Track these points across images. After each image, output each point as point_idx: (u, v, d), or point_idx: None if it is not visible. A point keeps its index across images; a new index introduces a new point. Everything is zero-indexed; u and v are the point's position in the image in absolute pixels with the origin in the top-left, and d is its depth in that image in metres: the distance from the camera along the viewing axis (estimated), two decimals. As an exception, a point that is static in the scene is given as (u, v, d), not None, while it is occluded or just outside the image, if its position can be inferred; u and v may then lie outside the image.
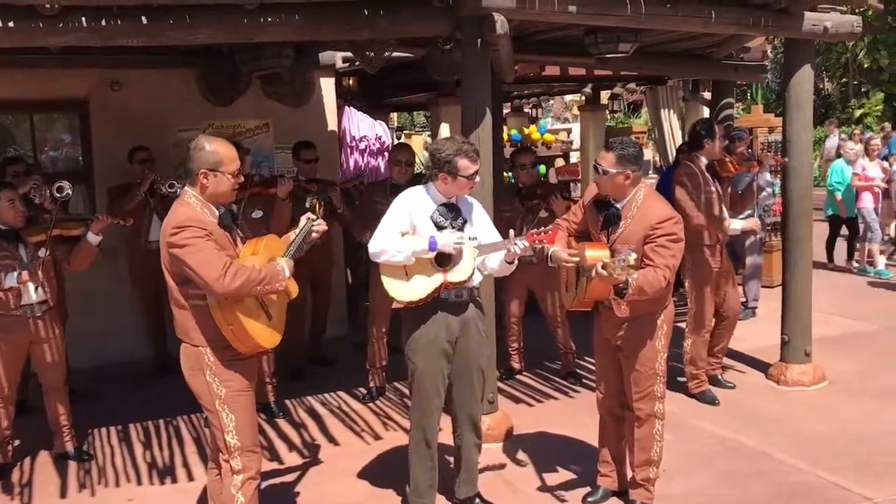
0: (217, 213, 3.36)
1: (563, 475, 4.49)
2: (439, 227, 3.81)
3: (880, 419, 5.19)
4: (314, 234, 3.55)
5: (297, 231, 3.54)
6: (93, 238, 4.65)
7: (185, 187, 3.37)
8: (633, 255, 3.43)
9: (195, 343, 3.33)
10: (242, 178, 3.46)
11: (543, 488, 4.35)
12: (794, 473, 4.44)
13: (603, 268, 3.47)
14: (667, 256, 3.70)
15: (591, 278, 3.66)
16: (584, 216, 4.07)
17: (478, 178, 3.86)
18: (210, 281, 3.13)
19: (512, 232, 3.86)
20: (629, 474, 4.09)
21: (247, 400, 3.41)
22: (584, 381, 6.14)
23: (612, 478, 4.19)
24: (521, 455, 4.78)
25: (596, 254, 3.74)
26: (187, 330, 3.34)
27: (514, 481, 4.45)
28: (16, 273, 4.51)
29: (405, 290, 3.78)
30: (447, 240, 3.72)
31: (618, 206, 3.87)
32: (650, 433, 3.95)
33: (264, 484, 4.46)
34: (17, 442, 4.91)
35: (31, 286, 4.55)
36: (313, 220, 3.54)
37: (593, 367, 6.38)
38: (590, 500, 4.17)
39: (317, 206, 3.62)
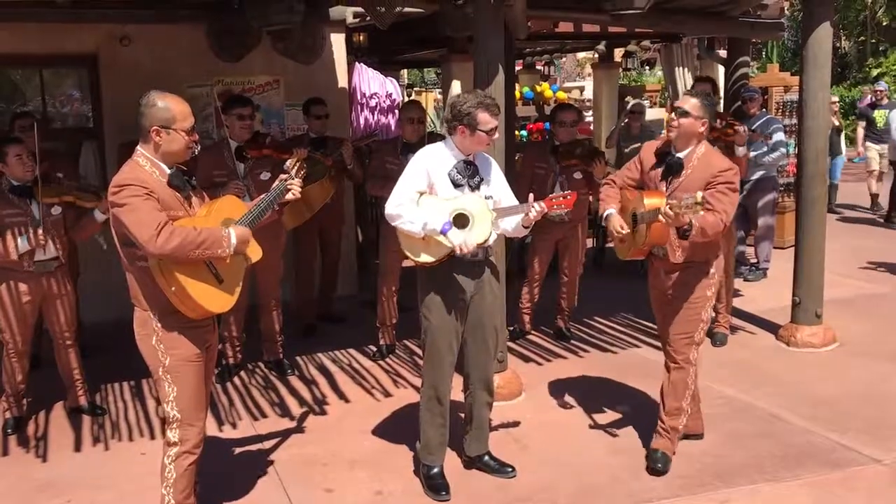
0: (168, 171, 3.25)
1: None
2: (456, 185, 3.79)
3: (891, 381, 5.18)
4: (289, 195, 3.48)
5: (263, 196, 3.48)
6: (99, 216, 4.61)
7: (138, 145, 3.26)
8: (700, 194, 3.53)
9: (144, 307, 3.25)
10: (197, 136, 3.34)
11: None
12: (803, 434, 4.45)
13: (670, 208, 3.59)
14: (726, 203, 3.83)
15: (651, 223, 3.80)
16: (641, 172, 4.15)
17: (496, 135, 3.82)
18: (143, 241, 3.04)
19: (531, 196, 3.83)
20: (657, 424, 4.17)
21: (192, 370, 3.30)
22: (594, 341, 6.17)
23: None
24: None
25: (654, 201, 3.87)
26: (136, 293, 3.27)
27: (522, 438, 4.49)
28: (28, 236, 4.51)
29: (422, 252, 3.78)
30: (456, 238, 3.67)
31: (680, 155, 3.98)
32: (684, 378, 4.08)
33: (271, 442, 4.52)
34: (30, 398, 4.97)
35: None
36: (286, 181, 3.48)
37: (602, 328, 6.45)
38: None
39: (294, 166, 3.56)
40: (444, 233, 3.68)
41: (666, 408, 4.12)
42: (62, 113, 7.32)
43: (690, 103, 3.95)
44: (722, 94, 7.62)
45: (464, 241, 3.67)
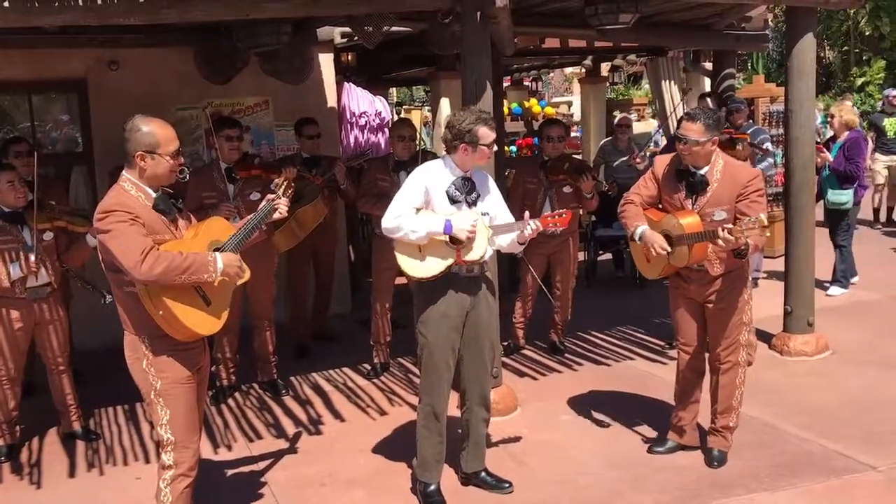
0: (153, 195, 3.24)
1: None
2: (453, 201, 3.81)
3: (885, 388, 5.20)
4: (276, 214, 3.50)
5: (251, 216, 3.49)
6: (91, 240, 4.59)
7: (123, 171, 3.26)
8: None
9: (133, 331, 3.25)
10: (182, 160, 3.33)
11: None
12: (798, 443, 4.46)
13: (729, 233, 3.65)
14: (761, 210, 3.88)
15: (692, 245, 3.89)
16: (658, 188, 4.19)
17: (495, 147, 3.86)
18: (128, 267, 3.04)
19: (527, 214, 3.90)
20: (709, 425, 4.32)
21: (184, 392, 3.28)
22: (588, 354, 6.18)
23: (685, 432, 4.37)
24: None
25: (690, 221, 3.95)
26: (125, 318, 3.27)
27: (519, 455, 4.48)
28: (20, 262, 4.50)
29: (419, 268, 3.80)
30: (462, 224, 3.71)
31: (701, 172, 4.02)
32: (734, 380, 4.20)
33: (267, 463, 4.50)
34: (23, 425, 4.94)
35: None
36: (273, 201, 3.50)
37: (596, 341, 6.46)
38: (657, 448, 4.39)
39: (282, 185, 3.57)
40: (447, 230, 3.70)
41: (718, 408, 4.25)
42: (52, 138, 7.31)
43: (695, 130, 3.95)
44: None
45: (468, 227, 3.70)
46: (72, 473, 4.54)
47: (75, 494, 4.28)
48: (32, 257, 4.52)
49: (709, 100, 5.87)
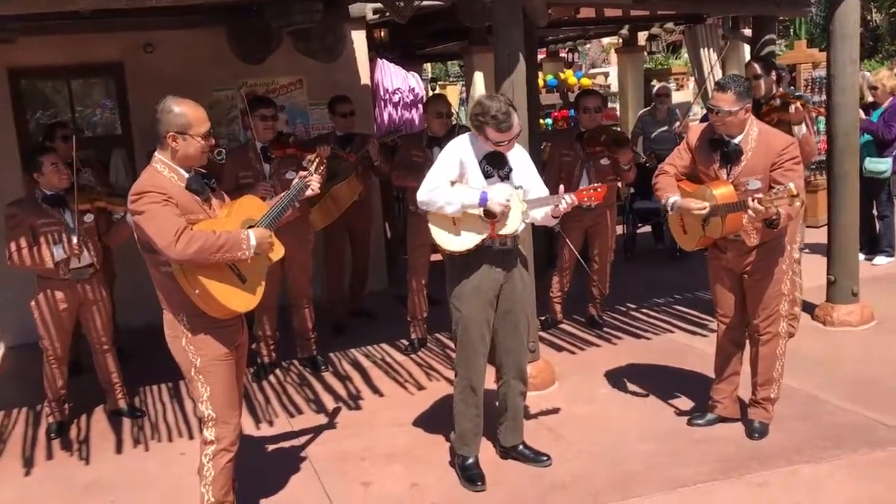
0: (186, 176, 3.27)
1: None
2: (487, 175, 3.80)
3: (931, 358, 5.09)
4: (309, 192, 3.52)
5: (284, 194, 3.51)
6: (131, 219, 4.67)
7: (156, 152, 3.29)
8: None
9: (171, 311, 3.30)
10: (213, 141, 3.36)
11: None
12: (841, 414, 4.39)
13: (759, 202, 3.60)
14: (796, 178, 3.81)
15: (725, 216, 3.84)
16: (692, 158, 4.13)
17: (512, 143, 3.82)
18: (163, 247, 3.07)
19: (562, 188, 3.87)
20: (749, 397, 4.28)
21: (223, 369, 3.33)
22: (627, 328, 6.14)
23: (723, 404, 4.34)
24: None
25: (724, 191, 3.90)
26: (163, 297, 3.32)
27: (557, 428, 4.48)
28: (63, 244, 4.60)
29: (453, 241, 3.80)
30: (497, 198, 3.69)
31: (735, 141, 3.95)
32: (774, 351, 4.15)
33: (307, 437, 4.56)
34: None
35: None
36: (305, 177, 3.51)
37: (634, 314, 6.41)
38: (696, 421, 4.36)
39: (314, 162, 3.58)
40: (482, 202, 3.69)
41: (759, 380, 4.21)
42: (92, 122, 7.43)
43: (726, 100, 3.88)
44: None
45: (503, 200, 3.68)
46: (118, 449, 4.65)
47: (122, 469, 4.39)
48: (75, 239, 4.61)
49: (757, 65, 5.71)
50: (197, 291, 3.17)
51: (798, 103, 4.97)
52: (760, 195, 3.67)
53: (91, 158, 6.44)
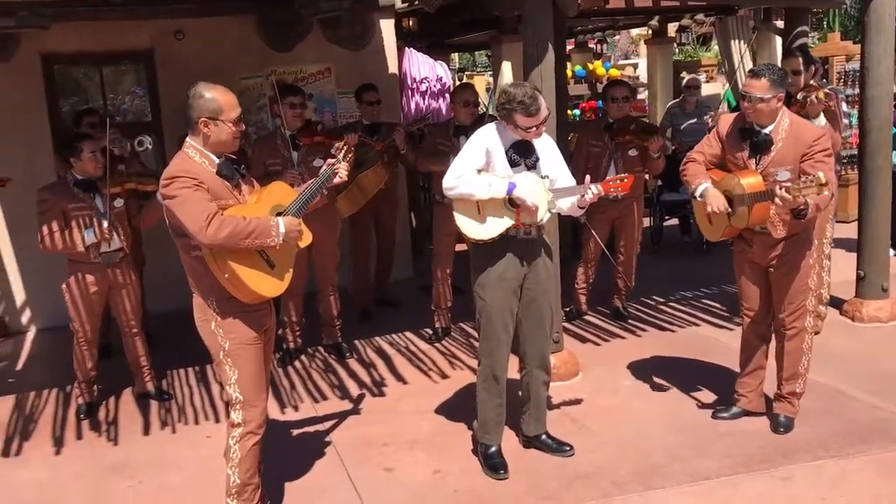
0: (217, 161, 3.29)
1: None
2: (513, 164, 3.80)
3: (962, 355, 5.02)
4: (336, 179, 3.54)
5: (312, 181, 3.54)
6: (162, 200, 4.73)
7: (187, 137, 3.32)
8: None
9: (201, 295, 3.34)
10: (244, 126, 3.39)
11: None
12: (869, 410, 4.35)
13: (787, 191, 3.58)
14: (827, 170, 3.75)
15: (753, 205, 3.81)
16: (722, 147, 4.10)
17: (542, 128, 3.80)
18: (194, 231, 3.11)
19: (588, 178, 3.85)
20: (775, 391, 4.26)
21: (252, 353, 3.37)
22: (652, 320, 6.11)
23: (748, 398, 4.33)
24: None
25: (751, 181, 3.87)
26: (193, 281, 3.35)
27: (580, 418, 4.48)
28: (94, 228, 4.66)
29: (478, 229, 3.81)
30: (524, 187, 3.69)
31: (765, 131, 3.92)
32: (800, 346, 4.13)
33: (332, 423, 4.60)
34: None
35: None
36: (332, 165, 3.54)
37: (660, 307, 6.38)
38: (721, 414, 4.35)
39: (342, 150, 3.60)
40: (510, 192, 3.69)
41: (784, 374, 4.18)
42: (123, 109, 7.51)
43: (760, 87, 3.85)
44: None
45: (531, 195, 3.68)
46: (146, 431, 4.72)
47: (150, 451, 4.45)
48: (105, 223, 4.67)
49: (800, 59, 5.61)
50: (226, 276, 3.21)
51: (815, 95, 4.89)
52: (788, 184, 3.63)
53: (123, 141, 6.51)
